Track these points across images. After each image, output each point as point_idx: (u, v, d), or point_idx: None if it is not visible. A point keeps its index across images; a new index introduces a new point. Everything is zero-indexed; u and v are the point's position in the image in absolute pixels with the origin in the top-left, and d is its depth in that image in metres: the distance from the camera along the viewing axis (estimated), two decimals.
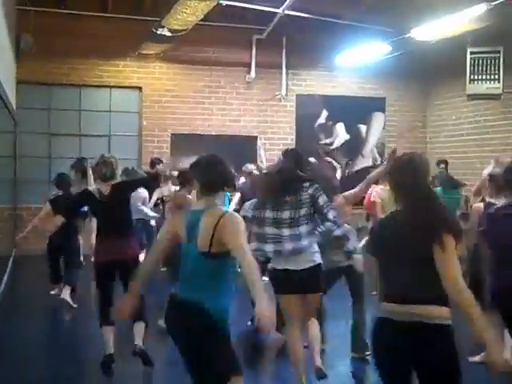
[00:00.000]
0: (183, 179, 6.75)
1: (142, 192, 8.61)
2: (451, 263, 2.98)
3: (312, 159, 9.74)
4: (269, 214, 4.61)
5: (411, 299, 3.05)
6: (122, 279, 5.26)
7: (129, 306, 3.53)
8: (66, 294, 7.57)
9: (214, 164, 3.60)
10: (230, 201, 9.51)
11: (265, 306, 3.19)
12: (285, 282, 4.72)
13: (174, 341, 3.50)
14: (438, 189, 9.57)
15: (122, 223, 5.46)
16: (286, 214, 4.57)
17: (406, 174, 3.16)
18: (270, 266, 4.84)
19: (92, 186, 6.41)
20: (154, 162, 11.01)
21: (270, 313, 3.20)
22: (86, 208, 6.66)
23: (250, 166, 9.93)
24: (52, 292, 8.30)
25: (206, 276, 3.42)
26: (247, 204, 4.91)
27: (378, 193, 8.11)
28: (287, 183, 4.67)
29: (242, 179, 9.63)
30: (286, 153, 5.00)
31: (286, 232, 4.57)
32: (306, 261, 4.67)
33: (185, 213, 3.58)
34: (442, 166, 11.84)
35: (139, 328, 5.36)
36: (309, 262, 4.68)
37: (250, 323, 6.72)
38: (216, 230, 3.36)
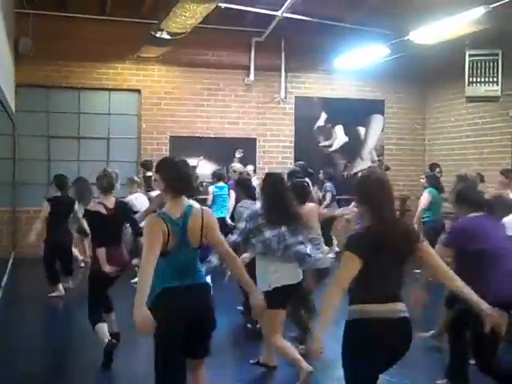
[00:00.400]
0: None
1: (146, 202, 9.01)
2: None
3: (299, 163, 10.33)
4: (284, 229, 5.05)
5: (395, 298, 3.40)
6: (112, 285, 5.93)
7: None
8: (70, 283, 8.65)
9: (190, 168, 3.97)
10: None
11: (260, 296, 3.88)
12: (289, 296, 5.11)
13: (188, 321, 3.72)
14: (432, 189, 9.67)
15: (120, 235, 6.03)
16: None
17: (370, 185, 3.47)
18: (273, 282, 4.97)
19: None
20: (145, 165, 11.24)
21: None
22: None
23: (238, 166, 10.32)
24: (53, 294, 8.34)
25: (196, 263, 3.89)
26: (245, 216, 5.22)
27: None
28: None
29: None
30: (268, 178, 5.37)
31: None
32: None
33: (165, 222, 3.65)
34: (438, 169, 11.97)
35: (113, 316, 6.00)
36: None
37: (241, 308, 7.24)
38: (203, 227, 3.79)
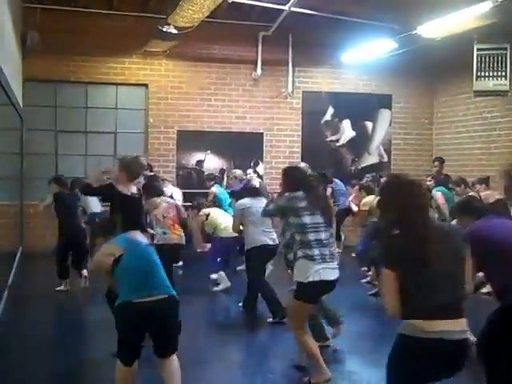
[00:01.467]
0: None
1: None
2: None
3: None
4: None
5: (459, 313, 3.10)
6: None
7: None
8: (86, 282, 8.45)
9: None
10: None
11: None
12: (323, 292, 5.09)
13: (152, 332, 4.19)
14: (441, 187, 9.62)
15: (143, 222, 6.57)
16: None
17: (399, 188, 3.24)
18: (315, 276, 4.80)
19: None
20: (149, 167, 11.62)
21: None
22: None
23: (238, 172, 10.59)
24: (60, 288, 8.41)
25: (161, 268, 4.26)
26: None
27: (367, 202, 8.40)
28: None
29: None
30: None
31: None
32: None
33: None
34: (437, 163, 11.92)
35: None
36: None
37: (240, 304, 7.44)
38: None
